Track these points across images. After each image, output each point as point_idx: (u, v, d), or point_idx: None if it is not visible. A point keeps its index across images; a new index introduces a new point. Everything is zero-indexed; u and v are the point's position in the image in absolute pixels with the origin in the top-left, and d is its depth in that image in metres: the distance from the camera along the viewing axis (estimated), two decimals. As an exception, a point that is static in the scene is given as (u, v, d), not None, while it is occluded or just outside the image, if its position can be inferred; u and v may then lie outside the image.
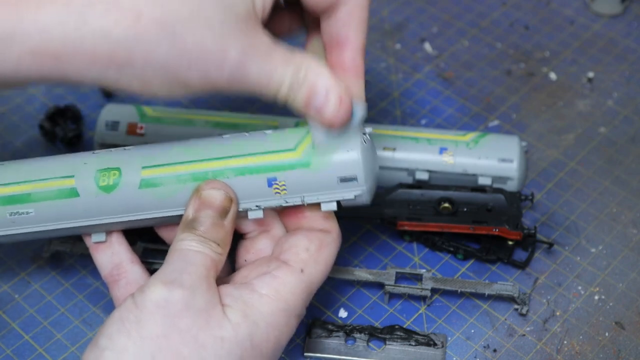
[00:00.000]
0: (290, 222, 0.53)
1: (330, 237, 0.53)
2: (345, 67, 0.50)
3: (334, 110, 0.47)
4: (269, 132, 0.53)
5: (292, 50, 0.47)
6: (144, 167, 0.52)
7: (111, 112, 0.71)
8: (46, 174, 0.54)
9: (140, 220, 0.53)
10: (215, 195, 0.49)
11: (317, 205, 0.52)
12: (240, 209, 0.52)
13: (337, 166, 0.51)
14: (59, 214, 0.53)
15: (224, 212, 0.49)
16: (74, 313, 0.61)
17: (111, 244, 0.55)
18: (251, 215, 0.52)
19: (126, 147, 0.55)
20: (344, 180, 0.51)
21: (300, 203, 0.52)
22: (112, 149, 0.55)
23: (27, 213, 0.53)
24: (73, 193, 0.53)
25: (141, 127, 0.69)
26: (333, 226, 0.53)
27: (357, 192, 0.51)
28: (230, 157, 0.51)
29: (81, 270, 0.64)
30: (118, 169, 0.53)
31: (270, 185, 0.51)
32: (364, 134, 0.52)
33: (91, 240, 0.55)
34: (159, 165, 0.52)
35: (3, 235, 0.54)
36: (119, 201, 0.52)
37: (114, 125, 0.70)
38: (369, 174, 0.52)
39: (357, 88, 0.50)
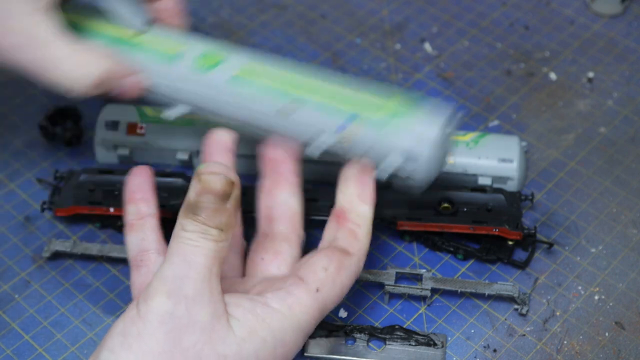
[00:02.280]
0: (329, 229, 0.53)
1: (352, 260, 0.51)
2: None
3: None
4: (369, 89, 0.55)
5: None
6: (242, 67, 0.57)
7: (111, 112, 0.71)
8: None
9: (219, 114, 0.57)
10: (215, 180, 0.47)
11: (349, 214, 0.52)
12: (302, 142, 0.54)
13: (407, 138, 0.52)
14: (157, 73, 0.58)
15: (226, 196, 0.47)
16: (74, 313, 0.61)
17: (143, 228, 0.53)
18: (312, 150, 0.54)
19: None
20: (406, 156, 0.53)
21: (357, 158, 0.53)
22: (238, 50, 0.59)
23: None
24: (176, 57, 0.58)
25: (141, 127, 0.69)
26: (358, 248, 0.52)
27: (413, 171, 0.53)
28: (319, 89, 0.54)
29: (81, 270, 0.64)
30: (222, 56, 0.57)
31: (339, 130, 0.53)
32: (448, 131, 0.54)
33: (149, 171, 0.56)
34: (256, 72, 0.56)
35: None
36: (207, 85, 0.57)
37: (113, 125, 0.70)
38: (432, 161, 0.53)
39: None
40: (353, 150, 0.53)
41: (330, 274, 0.50)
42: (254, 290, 0.51)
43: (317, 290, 0.49)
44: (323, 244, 0.54)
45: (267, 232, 0.54)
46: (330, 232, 0.54)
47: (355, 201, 0.53)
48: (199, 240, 0.47)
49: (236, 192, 0.48)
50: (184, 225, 0.47)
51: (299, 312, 0.48)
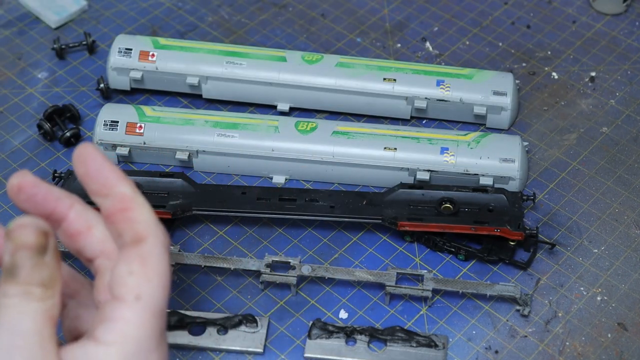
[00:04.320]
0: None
1: (149, 244, 0.45)
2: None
3: None
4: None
5: None
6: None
7: (110, 111, 0.70)
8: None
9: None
10: (26, 234, 0.43)
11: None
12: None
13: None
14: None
15: (42, 249, 0.44)
16: (72, 314, 0.61)
17: None
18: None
19: None
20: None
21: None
22: None
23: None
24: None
25: (140, 127, 0.69)
26: (144, 228, 0.46)
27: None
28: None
29: (80, 271, 0.63)
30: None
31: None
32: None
33: None
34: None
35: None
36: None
37: (112, 125, 0.69)
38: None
39: None
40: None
41: (138, 274, 0.44)
42: (88, 329, 0.45)
43: (137, 298, 0.45)
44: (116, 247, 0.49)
45: (93, 269, 0.50)
46: (112, 234, 0.48)
47: (106, 191, 0.47)
48: (23, 304, 0.42)
49: (52, 242, 0.44)
50: (5, 291, 0.43)
51: (134, 332, 0.43)
